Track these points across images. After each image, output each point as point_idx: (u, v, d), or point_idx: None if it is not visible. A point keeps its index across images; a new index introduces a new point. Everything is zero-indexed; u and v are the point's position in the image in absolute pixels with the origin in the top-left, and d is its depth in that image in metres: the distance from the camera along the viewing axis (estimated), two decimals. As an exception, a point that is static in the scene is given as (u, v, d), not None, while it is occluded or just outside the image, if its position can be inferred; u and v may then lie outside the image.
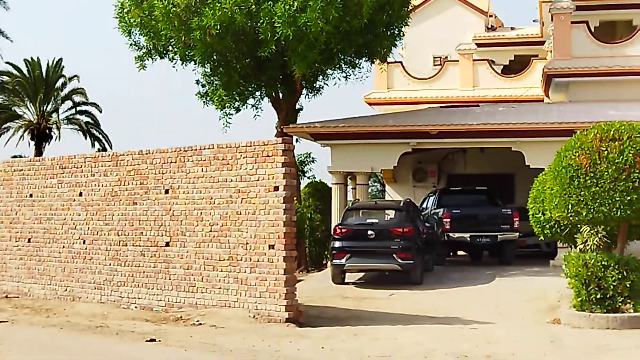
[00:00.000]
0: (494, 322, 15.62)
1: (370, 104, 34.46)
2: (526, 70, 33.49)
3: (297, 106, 27.15)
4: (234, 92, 25.62)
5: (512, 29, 38.52)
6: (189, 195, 16.73)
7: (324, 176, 31.03)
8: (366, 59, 26.38)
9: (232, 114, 26.18)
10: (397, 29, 25.56)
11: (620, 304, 14.92)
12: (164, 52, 25.19)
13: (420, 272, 20.29)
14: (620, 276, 14.84)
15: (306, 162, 35.83)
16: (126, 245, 17.74)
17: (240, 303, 15.68)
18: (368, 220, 20.73)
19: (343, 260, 20.02)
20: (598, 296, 14.96)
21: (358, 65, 26.57)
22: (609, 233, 16.05)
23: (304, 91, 27.05)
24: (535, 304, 17.46)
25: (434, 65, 35.97)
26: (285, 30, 21.84)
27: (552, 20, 27.85)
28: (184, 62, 25.07)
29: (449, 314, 16.48)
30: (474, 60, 33.74)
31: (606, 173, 14.42)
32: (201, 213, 16.49)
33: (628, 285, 14.86)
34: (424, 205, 25.95)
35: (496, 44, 36.51)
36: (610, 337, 13.66)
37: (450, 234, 23.46)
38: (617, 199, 14.31)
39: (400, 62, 34.71)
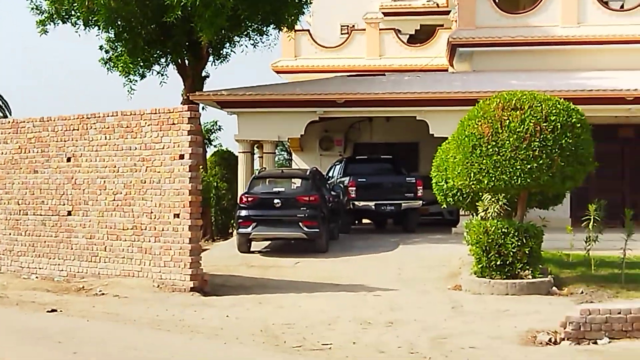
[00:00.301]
0: (397, 289, 15.84)
1: (277, 72, 34.32)
2: (431, 40, 33.79)
3: (204, 73, 26.84)
4: (139, 59, 25.17)
5: (419, -2, 38.77)
6: (91, 164, 16.44)
7: (231, 144, 30.89)
8: (274, 26, 26.21)
9: (136, 81, 25.76)
10: (305, -4, 25.46)
11: (519, 270, 15.29)
12: (67, 16, 24.53)
13: (325, 240, 20.41)
14: (519, 243, 15.19)
15: (213, 130, 35.54)
16: (27, 214, 17.39)
17: (145, 272, 15.55)
18: (274, 189, 20.73)
19: (249, 229, 20.00)
20: (498, 263, 15.30)
21: (266, 32, 26.42)
22: (510, 201, 16.42)
23: (211, 58, 26.76)
24: (437, 271, 17.76)
25: (342, 33, 35.98)
26: (192, -5, 21.53)
27: (457, -10, 28.15)
28: (87, 27, 24.48)
29: (353, 281, 16.64)
30: (380, 29, 33.86)
31: (507, 142, 14.70)
32: (104, 182, 16.23)
33: (527, 252, 15.24)
34: (330, 174, 26.06)
35: (402, 13, 36.71)
36: (509, 303, 13.99)
37: (356, 203, 23.62)
38: (518, 167, 14.61)
39: (308, 30, 34.63)
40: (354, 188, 23.56)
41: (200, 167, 17.15)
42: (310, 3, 26.31)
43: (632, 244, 15.82)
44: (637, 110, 23.33)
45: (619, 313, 11.24)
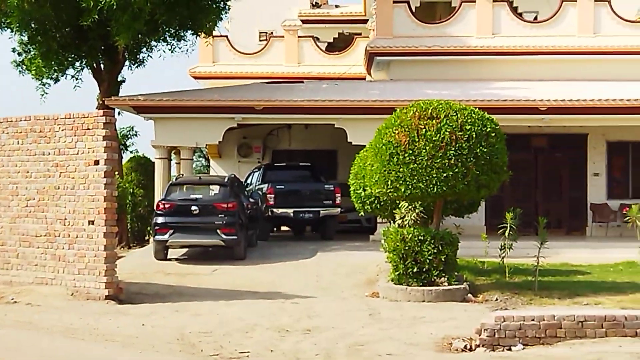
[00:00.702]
0: (315, 296, 15.85)
1: (195, 78, 34.07)
2: (349, 48, 33.99)
3: (120, 78, 26.49)
4: (53, 62, 24.69)
5: (337, 6, 39.05)
6: (3, 169, 16.08)
7: (147, 150, 30.54)
8: (191, 31, 26.02)
9: (50, 85, 25.28)
10: (223, 2, 25.32)
11: (435, 277, 15.46)
12: (-22, 18, 23.93)
13: (243, 247, 20.32)
14: (435, 250, 15.36)
15: (129, 136, 35.12)
16: None
17: (58, 280, 15.25)
18: (192, 196, 20.54)
19: (166, 236, 19.78)
20: (415, 270, 15.44)
21: (183, 37, 26.18)
22: (426, 209, 16.59)
23: (127, 63, 26.42)
24: (355, 278, 17.84)
25: (260, 40, 35.96)
26: (109, -1, 21.23)
27: (375, -1, 28.40)
28: (0, 30, 23.94)
29: (271, 288, 16.60)
30: (299, 36, 33.93)
31: (424, 150, 14.85)
32: (17, 187, 15.88)
33: (443, 260, 15.42)
34: (249, 181, 25.97)
35: (321, 21, 36.90)
36: (426, 310, 14.13)
37: (274, 210, 23.59)
38: (434, 175, 14.78)
39: (226, 36, 34.47)
40: (273, 195, 23.53)
41: (116, 173, 16.91)
42: (229, 9, 26.21)
43: (545, 251, 16.12)
44: (550, 120, 23.86)
45: (533, 320, 11.45)
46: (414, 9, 28.29)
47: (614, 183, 26.71)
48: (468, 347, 11.34)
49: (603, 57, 26.98)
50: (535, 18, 29.33)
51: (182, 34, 25.97)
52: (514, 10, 28.50)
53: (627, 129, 25.70)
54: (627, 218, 19.98)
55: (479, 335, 11.42)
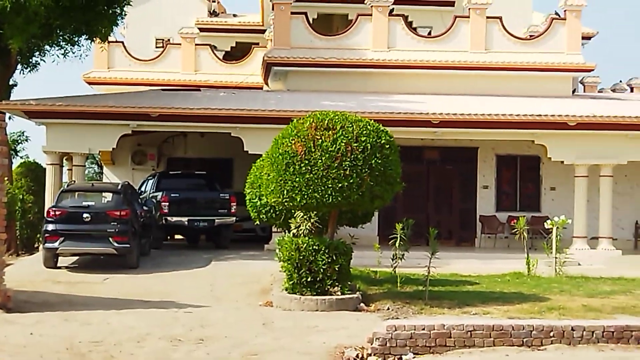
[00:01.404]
0: (209, 305, 15.78)
1: (89, 84, 33.54)
2: (247, 58, 34.01)
3: (12, 82, 25.88)
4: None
5: (235, 15, 39.03)
6: None
7: (39, 156, 29.88)
8: (86, 37, 25.59)
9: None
10: (119, 8, 24.98)
11: (329, 286, 15.58)
12: None
13: (136, 256, 20.09)
14: (330, 260, 15.48)
15: (19, 141, 34.34)
16: None
17: (-58, 288, 14.77)
18: (84, 203, 20.17)
19: (56, 244, 19.40)
20: (309, 279, 15.53)
21: (77, 42, 25.71)
22: (321, 219, 16.70)
23: (19, 66, 25.82)
24: (249, 287, 17.83)
25: (157, 47, 35.66)
26: (3, 1, 20.70)
27: (273, 9, 28.47)
28: None
29: (164, 297, 16.44)
30: (196, 44, 33.77)
31: (320, 161, 14.96)
32: None
33: (337, 269, 15.55)
34: (143, 189, 25.69)
35: (218, 29, 36.83)
36: (319, 319, 14.23)
37: (168, 218, 23.42)
38: (330, 186, 14.90)
39: (122, 42, 34.08)
40: (167, 203, 23.35)
41: (5, 178, 16.48)
42: (125, 15, 25.89)
43: (435, 262, 16.41)
44: (442, 133, 24.38)
45: (423, 329, 11.70)
46: (311, 21, 28.51)
47: (502, 196, 27.43)
48: (360, 356, 11.49)
49: (494, 73, 27.72)
50: (429, 33, 29.93)
51: (76, 38, 25.49)
52: (409, 25, 29.02)
53: (515, 143, 26.45)
54: (515, 230, 20.60)
55: (371, 344, 11.60)
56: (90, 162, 42.11)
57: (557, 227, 20.43)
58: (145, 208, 22.18)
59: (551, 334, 12.03)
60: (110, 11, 24.74)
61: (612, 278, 19.68)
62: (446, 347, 11.68)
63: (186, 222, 23.62)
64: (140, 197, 23.78)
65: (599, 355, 11.49)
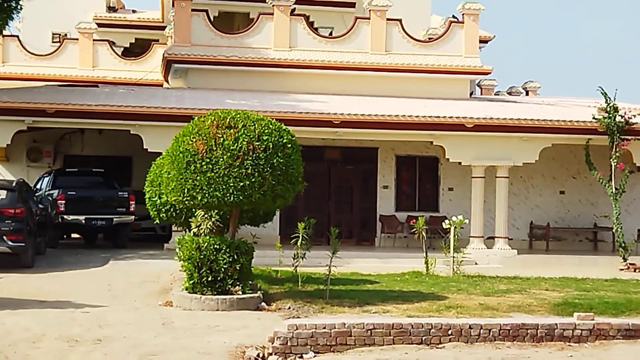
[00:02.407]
0: (106, 305, 15.49)
1: (-18, 79, 32.59)
2: (147, 54, 33.58)
3: None
4: None
5: (134, 11, 38.46)
6: None
7: None
8: (-21, 29, 24.86)
9: None
10: (14, 1, 24.32)
11: (230, 286, 15.49)
12: None
13: (31, 255, 19.63)
14: (231, 259, 15.39)
15: None
16: None
17: None
18: (-23, 200, 19.62)
19: (-53, 242, 18.80)
20: (210, 279, 15.41)
21: (-30, 36, 25.01)
22: (222, 218, 16.59)
23: None
24: (148, 287, 17.61)
25: (53, 42, 34.90)
26: None
27: (173, 6, 28.18)
28: None
29: (60, 297, 16.07)
30: (94, 40, 33.17)
31: (221, 159, 14.85)
32: None
33: (238, 268, 15.47)
34: (38, 186, 25.12)
35: (117, 25, 36.25)
36: (220, 319, 14.14)
37: (65, 216, 22.97)
38: (231, 184, 14.81)
39: (17, 36, 33.22)
40: (63, 201, 22.88)
41: None
42: (21, 9, 25.23)
43: (336, 261, 16.52)
44: (343, 133, 24.53)
45: (324, 328, 11.75)
46: (212, 18, 28.31)
47: (402, 196, 27.77)
48: (261, 355, 11.47)
49: (394, 74, 28.05)
50: (331, 33, 30.09)
51: (-31, 30, 24.76)
52: (311, 25, 29.12)
53: (415, 144, 26.83)
54: (414, 229, 20.89)
55: (272, 344, 11.59)
56: (-18, 158, 40.90)
57: (455, 227, 20.80)
58: (41, 206, 21.69)
59: (449, 332, 12.23)
60: (6, 4, 24.08)
61: (508, 277, 20.14)
62: (347, 346, 11.75)
63: (83, 221, 23.21)
64: (36, 195, 23.23)
65: (496, 353, 11.74)
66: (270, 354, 11.50)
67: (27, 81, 30.58)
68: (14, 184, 20.39)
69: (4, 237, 18.91)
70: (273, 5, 27.69)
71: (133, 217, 23.64)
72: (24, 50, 32.65)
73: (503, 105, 28.87)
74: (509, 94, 36.13)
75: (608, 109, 24.47)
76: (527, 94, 36.07)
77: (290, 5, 27.85)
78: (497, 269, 21.77)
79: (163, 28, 34.29)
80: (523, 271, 21.13)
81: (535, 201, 28.17)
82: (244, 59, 27.44)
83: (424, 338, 12.08)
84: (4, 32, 26.87)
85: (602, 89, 24.80)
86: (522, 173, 27.08)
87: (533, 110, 27.10)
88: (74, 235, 26.24)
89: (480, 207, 24.95)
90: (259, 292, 16.02)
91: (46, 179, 25.03)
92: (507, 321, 12.81)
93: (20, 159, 29.19)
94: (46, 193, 23.83)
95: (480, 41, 30.77)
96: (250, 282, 16.18)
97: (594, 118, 24.65)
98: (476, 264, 22.46)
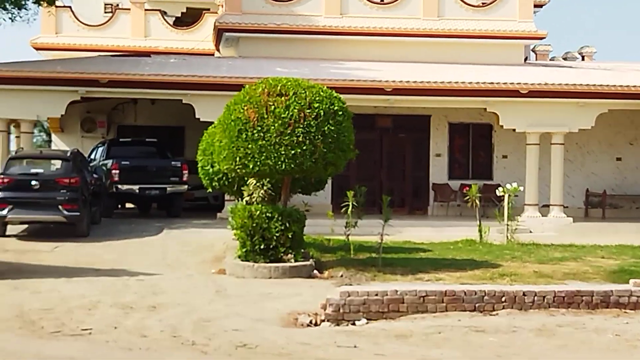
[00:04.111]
0: (160, 273, 15.65)
1: (37, 49, 32.93)
2: (198, 24, 33.61)
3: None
4: None
5: (186, -19, 38.41)
6: None
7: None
8: (34, 0, 25.06)
9: None
10: (67, -27, 24.55)
11: (282, 254, 15.54)
12: None
13: (86, 224, 19.85)
14: (283, 227, 15.42)
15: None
16: None
17: None
18: (32, 170, 19.85)
19: (4, 212, 19.07)
20: (262, 247, 15.46)
21: (25, 6, 25.18)
22: (274, 186, 16.61)
23: (-36, 31, 25.26)
24: (201, 255, 17.73)
25: (105, 12, 35.07)
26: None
27: (224, -25, 28.12)
28: None
29: (115, 266, 16.28)
30: (146, 10, 33.27)
31: (273, 127, 14.85)
32: None
33: (290, 237, 15.50)
34: (93, 156, 25.34)
35: (168, -5, 36.30)
36: (272, 286, 14.19)
37: (119, 186, 23.13)
38: (282, 152, 14.80)
39: (70, 7, 33.45)
40: (117, 171, 23.06)
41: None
42: (73, -20, 25.44)
43: (388, 229, 16.49)
44: (395, 100, 24.34)
45: (376, 295, 11.70)
46: (264, -14, 28.20)
47: (455, 164, 27.52)
48: (313, 322, 11.47)
49: (447, 40, 27.73)
50: (382, 0, 29.79)
51: (23, 2, 24.96)
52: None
53: (468, 111, 26.53)
54: (467, 198, 20.71)
55: (324, 310, 11.58)
56: (38, 129, 41.49)
57: (509, 195, 20.57)
58: (95, 176, 21.91)
59: (503, 299, 12.10)
60: (58, -25, 24.28)
61: (562, 245, 19.90)
62: (399, 313, 11.69)
63: (137, 191, 23.36)
64: (90, 165, 23.46)
65: (550, 320, 11.59)
66: (323, 321, 11.49)
67: (80, 52, 30.82)
68: (68, 154, 20.61)
69: (60, 207, 19.14)
70: (325, -28, 27.49)
71: (186, 186, 23.75)
72: (77, 21, 32.86)
73: (558, 70, 28.40)
74: (564, 59, 35.55)
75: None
76: (583, 59, 35.44)
77: (342, -28, 27.62)
78: (552, 237, 21.50)
79: (214, -3, 34.27)
80: (578, 239, 20.85)
81: (591, 168, 27.71)
82: (295, 26, 27.32)
83: (477, 305, 11.98)
84: (57, 3, 27.08)
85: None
86: (577, 139, 26.64)
87: (589, 75, 26.61)
88: (128, 205, 26.48)
89: (535, 175, 24.62)
90: (311, 260, 16.04)
91: (100, 149, 25.25)
92: (562, 288, 12.64)
93: (74, 129, 29.49)
94: (100, 163, 24.05)
95: (535, 5, 30.22)
96: (302, 250, 16.19)
97: (651, 83, 24.13)
98: (530, 232, 22.19)
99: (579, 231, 22.97)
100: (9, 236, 19.52)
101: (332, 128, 15.08)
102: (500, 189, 21.03)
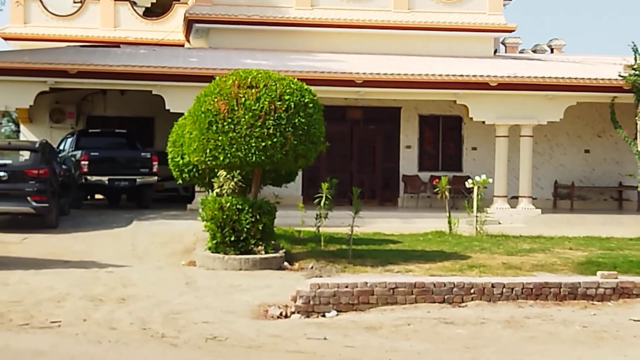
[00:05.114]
0: (130, 265, 15.61)
1: (5, 39, 32.59)
2: (168, 14, 33.42)
3: None
4: None
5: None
6: None
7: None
8: (1, -10, 24.88)
9: None
10: (35, -39, 24.32)
11: (252, 246, 15.55)
12: None
13: (55, 215, 19.73)
14: (253, 219, 15.43)
15: None
16: None
17: None
18: (0, 161, 19.68)
19: (-28, 203, 18.92)
20: (232, 239, 15.46)
21: (-8, -4, 25.01)
22: (245, 178, 16.61)
23: None
24: (171, 247, 17.69)
25: (75, 2, 34.73)
26: None
27: (195, -35, 27.98)
28: None
29: (84, 257, 16.20)
30: (115, 0, 33.07)
31: (243, 119, 14.83)
32: None
33: (261, 228, 15.52)
34: (62, 147, 25.19)
35: (139, -15, 36.06)
36: (243, 278, 14.20)
37: (88, 177, 23.00)
38: (253, 144, 14.80)
39: (39, -3, 33.16)
40: (86, 162, 22.92)
41: None
42: (42, -32, 25.20)
43: (359, 221, 16.54)
44: (365, 93, 24.37)
45: (346, 287, 11.75)
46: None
47: (425, 156, 27.62)
48: (284, 314, 11.50)
49: (417, 33, 27.82)
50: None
51: (-9, -9, 24.77)
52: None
53: (438, 103, 26.64)
54: (437, 189, 20.82)
55: (295, 302, 11.62)
56: (6, 120, 41.09)
57: (478, 187, 20.71)
58: (64, 167, 21.78)
59: (472, 291, 12.21)
60: (27, -36, 24.07)
61: (531, 237, 20.07)
62: (369, 305, 11.76)
63: (106, 182, 23.26)
64: (59, 156, 23.32)
65: (519, 312, 11.71)
66: (293, 313, 11.53)
67: (49, 42, 30.54)
68: (37, 145, 20.44)
69: (28, 198, 19.00)
70: (295, -38, 27.45)
71: (156, 177, 23.67)
72: (46, 10, 32.57)
73: (527, 63, 28.57)
74: (534, 52, 35.77)
75: (636, 67, 24.06)
76: (552, 51, 35.67)
77: (314, -37, 27.60)
78: (520, 229, 21.68)
79: (184, -13, 34.11)
80: (547, 231, 21.05)
81: (559, 160, 27.95)
82: (265, 18, 27.29)
83: (446, 297, 12.07)
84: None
85: (634, 44, 24.30)
86: (546, 132, 26.85)
87: (558, 68, 26.79)
88: (97, 196, 26.36)
89: (504, 167, 24.78)
90: (281, 251, 16.06)
91: (69, 140, 25.09)
92: (530, 280, 12.76)
93: (43, 120, 29.27)
94: (69, 154, 23.90)
95: (504, -2, 30.40)
96: (272, 241, 16.22)
97: (620, 76, 24.31)
98: (499, 223, 22.36)
99: (548, 223, 23.19)
100: (-24, 228, 19.37)
101: (303, 120, 15.10)
102: (470, 180, 21.15)
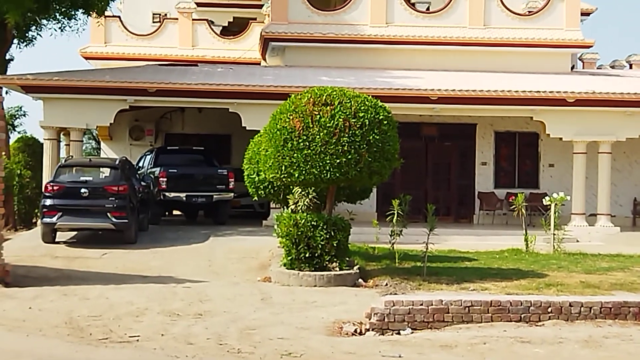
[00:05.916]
0: (207, 280, 15.79)
1: (86, 59, 33.39)
2: (244, 33, 33.85)
3: (8, 56, 25.72)
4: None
5: (232, -10, 38.70)
6: None
7: (36, 131, 29.81)
8: (83, 10, 25.46)
9: None
10: (116, -17, 24.89)
11: (327, 262, 15.60)
12: None
13: (134, 231, 20.08)
14: (328, 236, 15.48)
15: (17, 116, 34.20)
16: None
17: (-60, 263, 14.76)
18: (82, 178, 20.14)
19: (54, 219, 19.36)
20: (307, 255, 15.53)
21: (74, 16, 25.60)
22: (319, 194, 16.70)
23: (16, 41, 25.68)
24: (247, 262, 17.85)
25: (154, 22, 35.47)
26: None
27: (271, -16, 28.30)
28: None
29: (162, 273, 16.46)
30: (193, 19, 33.61)
31: (318, 136, 14.93)
32: None
33: (335, 245, 15.56)
34: (141, 164, 25.65)
35: (216, 4, 36.53)
36: (317, 294, 14.25)
37: (166, 193, 23.39)
38: (327, 161, 14.88)
39: (119, 17, 33.88)
40: (165, 179, 23.32)
41: (3, 153, 16.43)
42: (122, -11, 25.79)
43: (434, 238, 16.47)
44: (440, 109, 24.31)
45: (421, 304, 11.69)
46: (309, -4, 28.37)
47: (501, 172, 27.40)
48: (358, 331, 11.50)
49: (493, 49, 27.64)
50: (428, 9, 29.77)
51: (73, 12, 25.38)
52: (407, 0, 28.89)
53: (514, 120, 26.41)
54: (513, 206, 20.59)
55: (369, 320, 11.60)
56: (87, 137, 42.03)
57: (556, 204, 20.44)
58: (143, 184, 22.16)
59: (549, 309, 12.03)
60: (108, -15, 24.64)
61: (610, 255, 19.71)
62: (444, 323, 11.68)
63: (184, 198, 23.60)
64: (138, 172, 23.74)
65: (597, 331, 11.50)
66: (368, 330, 11.52)
67: (129, 61, 31.21)
68: (117, 162, 20.87)
69: (108, 214, 19.38)
70: (370, -19, 27.54)
71: (232, 194, 23.94)
72: (126, 30, 33.29)
73: (605, 79, 28.15)
74: (612, 67, 35.20)
75: None
76: (630, 67, 35.05)
77: (387, -19, 27.66)
78: (599, 247, 21.32)
79: (260, 6, 34.44)
80: (626, 249, 20.64)
81: (639, 177, 27.41)
82: (341, 35, 27.42)
83: (522, 316, 11.92)
84: (106, 13, 27.45)
85: None
86: (625, 148, 26.38)
87: (637, 84, 26.33)
88: (175, 212, 26.74)
89: (582, 184, 24.43)
90: (356, 268, 16.07)
91: (148, 157, 25.54)
92: (609, 299, 12.52)
93: (122, 137, 29.88)
94: (148, 171, 24.32)
95: (582, 14, 29.96)
96: (347, 258, 16.25)
97: (701, 91, 23.81)
98: (577, 241, 22.02)
99: (627, 241, 22.73)
100: (58, 243, 19.82)
101: (377, 137, 15.13)
102: (547, 198, 20.90)
